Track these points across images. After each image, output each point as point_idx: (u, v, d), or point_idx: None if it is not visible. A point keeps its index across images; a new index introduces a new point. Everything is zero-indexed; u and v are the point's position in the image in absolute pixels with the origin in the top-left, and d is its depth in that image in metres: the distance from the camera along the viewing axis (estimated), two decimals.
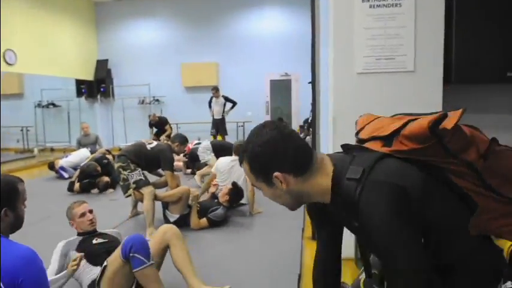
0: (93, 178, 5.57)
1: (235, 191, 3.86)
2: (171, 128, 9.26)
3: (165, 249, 2.41)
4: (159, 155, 3.88)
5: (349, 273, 2.32)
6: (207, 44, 10.25)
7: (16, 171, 7.27)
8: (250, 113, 9.76)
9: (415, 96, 2.48)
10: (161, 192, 3.88)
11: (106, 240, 2.49)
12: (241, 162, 1.13)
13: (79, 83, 10.17)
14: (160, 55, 10.46)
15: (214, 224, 3.68)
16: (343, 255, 1.34)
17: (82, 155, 6.62)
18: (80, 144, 7.50)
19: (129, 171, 3.63)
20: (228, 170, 4.19)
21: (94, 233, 2.51)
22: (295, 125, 9.77)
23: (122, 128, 10.61)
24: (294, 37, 9.47)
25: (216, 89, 8.72)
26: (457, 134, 1.04)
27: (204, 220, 3.66)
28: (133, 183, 3.59)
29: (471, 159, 1.04)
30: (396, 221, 0.96)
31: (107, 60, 10.63)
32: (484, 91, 2.64)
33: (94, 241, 2.44)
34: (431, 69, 2.47)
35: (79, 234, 2.49)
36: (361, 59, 2.50)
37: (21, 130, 10.03)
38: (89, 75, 10.33)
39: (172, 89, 10.43)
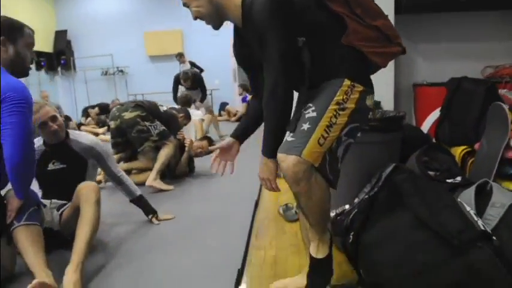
0: None
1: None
2: None
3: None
4: (169, 120, 3.57)
5: None
6: (169, 11, 9.94)
7: None
8: (218, 81, 9.67)
9: None
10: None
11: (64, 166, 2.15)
12: None
13: (37, 55, 9.71)
14: (122, 24, 10.12)
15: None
16: None
17: None
18: None
19: (149, 122, 3.30)
20: None
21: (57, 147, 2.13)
22: None
23: (85, 101, 10.29)
24: None
25: (180, 55, 8.53)
26: None
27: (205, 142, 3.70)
28: (157, 134, 3.28)
29: None
30: (278, 19, 1.22)
31: (65, 31, 10.20)
32: (435, 20, 2.70)
33: (50, 165, 2.14)
34: None
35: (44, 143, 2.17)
36: None
37: None
38: (47, 47, 9.90)
39: (136, 58, 10.17)
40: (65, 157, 2.18)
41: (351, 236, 1.55)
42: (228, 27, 1.48)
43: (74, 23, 10.24)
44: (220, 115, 9.27)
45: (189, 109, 5.25)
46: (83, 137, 2.29)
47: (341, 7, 1.31)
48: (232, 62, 10.11)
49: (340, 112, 1.25)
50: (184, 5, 1.42)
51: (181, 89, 6.19)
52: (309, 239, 1.44)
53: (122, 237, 2.28)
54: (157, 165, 3.23)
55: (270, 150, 1.31)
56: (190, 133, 4.67)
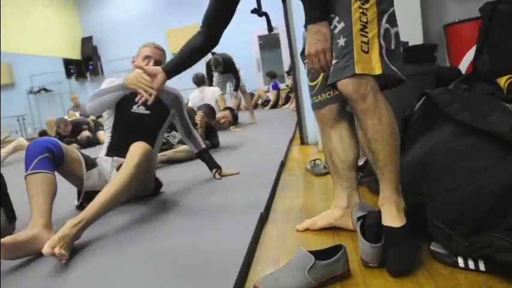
0: (71, 137, 5.81)
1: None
2: None
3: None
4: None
5: None
6: (189, 7, 9.98)
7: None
8: (242, 72, 9.55)
9: None
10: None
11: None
12: None
13: (67, 63, 10.03)
14: (144, 24, 10.24)
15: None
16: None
17: None
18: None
19: (166, 133, 3.28)
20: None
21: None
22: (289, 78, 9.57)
23: None
24: None
25: None
26: None
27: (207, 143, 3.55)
28: (177, 142, 3.30)
29: None
30: None
31: (91, 37, 10.44)
32: None
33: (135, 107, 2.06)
34: None
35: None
36: None
37: (18, 120, 9.94)
38: (75, 54, 10.19)
39: None
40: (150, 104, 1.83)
41: None
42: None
43: (98, 28, 10.47)
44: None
45: (205, 87, 5.24)
46: (170, 87, 2.19)
47: None
48: (256, 52, 10.00)
49: (366, 5, 1.06)
50: None
51: (215, 75, 6.11)
52: (379, 201, 1.12)
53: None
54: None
55: (316, 9, 1.11)
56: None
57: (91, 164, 1.95)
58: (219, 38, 1.51)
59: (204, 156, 2.36)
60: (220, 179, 2.29)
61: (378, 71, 1.06)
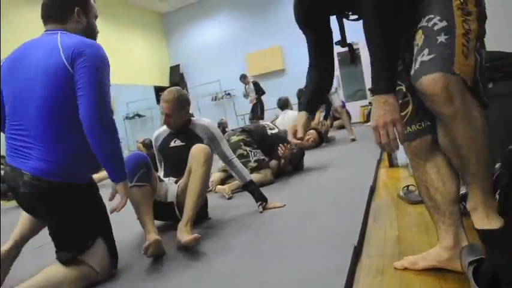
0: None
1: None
2: None
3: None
4: (275, 143, 3.52)
5: None
6: (266, 30, 10.30)
7: None
8: (340, 91, 9.50)
9: None
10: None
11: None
12: None
13: (157, 90, 10.88)
14: (225, 50, 10.77)
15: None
16: None
17: None
18: None
19: (250, 147, 3.35)
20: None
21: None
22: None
23: None
24: None
25: (243, 76, 9.07)
26: None
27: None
28: (255, 161, 3.27)
29: None
30: None
31: (178, 65, 11.25)
32: None
33: (172, 143, 2.42)
34: None
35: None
36: None
37: None
38: (164, 82, 11.02)
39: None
40: (185, 137, 2.40)
41: (497, 196, 1.23)
42: None
43: (185, 56, 11.25)
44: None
45: (288, 110, 5.38)
46: (201, 120, 2.50)
47: None
48: (335, 69, 9.87)
49: (468, 17, 1.02)
50: None
51: None
52: (469, 207, 1.09)
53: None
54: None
55: (385, 80, 1.05)
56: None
57: (160, 178, 2.32)
58: (331, 68, 1.56)
59: (250, 188, 2.40)
60: (262, 212, 2.31)
61: (470, 82, 1.00)
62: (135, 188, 1.92)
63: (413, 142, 1.23)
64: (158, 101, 11.01)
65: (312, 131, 3.67)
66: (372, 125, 1.08)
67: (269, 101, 9.89)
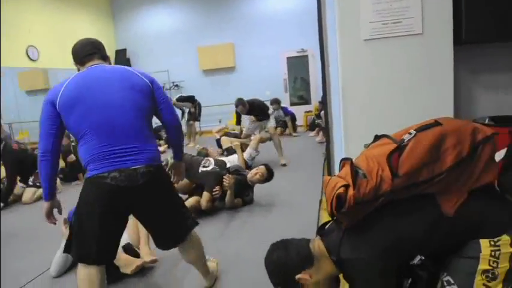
0: None
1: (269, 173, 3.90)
2: None
3: None
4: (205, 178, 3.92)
5: None
6: (220, 26, 10.22)
7: None
8: (269, 92, 9.74)
9: (425, 59, 2.43)
10: None
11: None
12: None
13: None
14: (176, 40, 10.54)
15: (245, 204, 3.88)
16: None
17: None
18: None
19: None
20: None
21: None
22: (314, 100, 9.68)
23: None
24: (309, 11, 9.24)
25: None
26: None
27: (239, 200, 3.83)
28: None
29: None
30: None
31: (125, 49, 10.80)
32: (496, 50, 2.56)
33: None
34: (440, 31, 2.40)
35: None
36: (368, 25, 2.46)
37: None
38: None
39: (190, 73, 10.54)
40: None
41: None
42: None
43: (132, 41, 10.82)
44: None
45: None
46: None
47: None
48: (283, 73, 10.16)
49: (492, 282, 1.02)
50: None
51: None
52: None
53: None
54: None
55: None
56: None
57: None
58: None
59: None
60: None
61: None
62: None
63: None
64: None
65: (261, 166, 3.87)
66: None
67: (217, 97, 9.95)
